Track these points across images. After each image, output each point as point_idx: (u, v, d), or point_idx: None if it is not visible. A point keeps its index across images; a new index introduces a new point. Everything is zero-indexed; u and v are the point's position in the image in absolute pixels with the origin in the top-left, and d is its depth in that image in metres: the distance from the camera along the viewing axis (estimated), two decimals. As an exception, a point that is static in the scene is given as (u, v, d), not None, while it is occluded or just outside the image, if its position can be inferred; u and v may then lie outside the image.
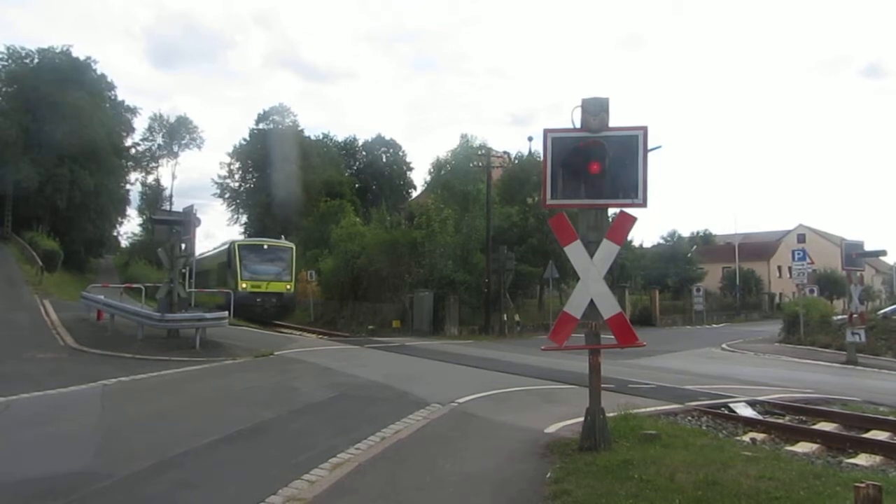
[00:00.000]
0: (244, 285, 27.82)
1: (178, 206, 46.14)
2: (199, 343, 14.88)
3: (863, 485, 4.35)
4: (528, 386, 10.29)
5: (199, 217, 17.09)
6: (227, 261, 29.79)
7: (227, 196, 62.96)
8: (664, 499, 4.81)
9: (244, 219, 61.52)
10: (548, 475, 5.63)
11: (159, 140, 68.02)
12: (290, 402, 9.15)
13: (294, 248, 31.68)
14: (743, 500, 4.79)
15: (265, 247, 30.62)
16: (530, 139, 31.26)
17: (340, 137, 71.10)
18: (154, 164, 68.18)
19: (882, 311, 27.00)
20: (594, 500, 4.85)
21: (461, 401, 9.07)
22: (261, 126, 62.79)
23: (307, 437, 7.22)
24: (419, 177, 67.73)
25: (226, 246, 31.40)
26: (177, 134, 68.40)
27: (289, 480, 5.46)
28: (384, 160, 67.84)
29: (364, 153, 69.32)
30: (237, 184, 63.10)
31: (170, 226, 17.09)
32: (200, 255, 29.46)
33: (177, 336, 15.72)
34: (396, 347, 18.64)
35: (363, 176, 65.66)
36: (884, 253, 22.64)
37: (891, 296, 51.42)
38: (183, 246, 16.93)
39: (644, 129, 6.48)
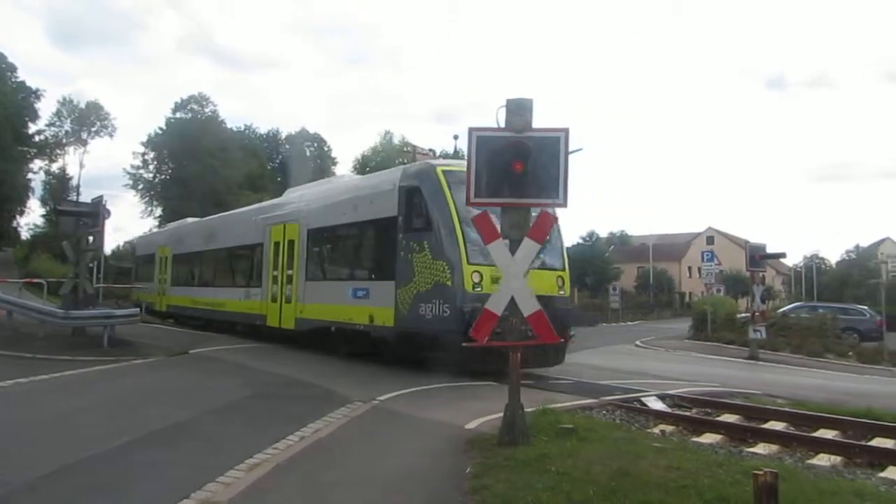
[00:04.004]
0: (472, 276, 11.01)
1: (87, 196, 43.41)
2: (108, 342, 14.11)
3: (761, 472, 4.63)
4: (450, 383, 10.36)
5: (109, 209, 16.18)
6: (404, 214, 11.85)
7: (140, 187, 60.16)
8: (580, 490, 4.95)
9: (158, 211, 58.98)
10: (468, 470, 5.70)
11: (67, 126, 64.04)
12: (205, 402, 8.85)
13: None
14: (653, 490, 4.99)
15: None
16: (456, 137, 31.46)
17: (263, 129, 69.49)
18: (60, 152, 64.17)
19: (781, 309, 28.86)
20: (512, 494, 4.94)
21: (383, 398, 9.04)
22: (178, 115, 60.34)
23: (223, 438, 6.99)
24: (343, 172, 67.07)
25: (395, 176, 12.69)
26: (86, 120, 64.57)
27: (203, 483, 5.27)
28: (308, 154, 66.71)
29: (288, 146, 67.97)
30: (152, 175, 60.42)
31: (76, 217, 16.09)
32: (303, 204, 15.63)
33: (83, 334, 14.87)
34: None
35: (287, 169, 64.36)
36: (783, 255, 24.13)
37: (790, 295, 55.08)
38: (90, 239, 16.05)
39: (566, 131, 6.65)
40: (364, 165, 36.66)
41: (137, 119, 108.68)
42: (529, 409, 7.00)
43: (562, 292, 11.97)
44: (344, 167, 63.79)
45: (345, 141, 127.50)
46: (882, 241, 65.86)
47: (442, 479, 5.62)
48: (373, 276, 12.77)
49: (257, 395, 9.64)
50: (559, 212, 12.04)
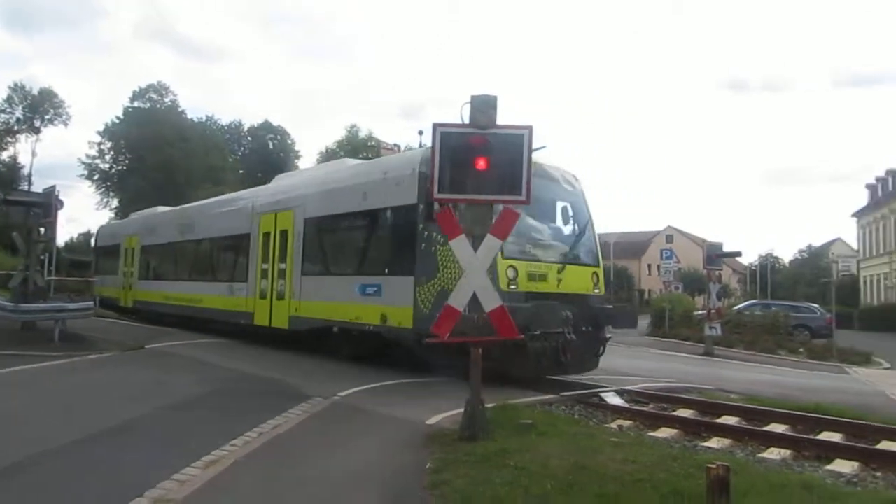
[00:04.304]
0: (507, 272, 10.22)
1: (39, 186, 42.12)
2: (59, 336, 13.72)
3: (714, 466, 4.75)
4: (411, 378, 10.36)
5: (62, 199, 15.76)
6: (426, 202, 10.42)
7: (96, 178, 58.52)
8: (538, 484, 5.01)
9: (115, 203, 57.48)
10: (427, 466, 5.70)
11: (18, 113, 61.72)
12: (161, 398, 8.66)
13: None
14: (610, 483, 5.07)
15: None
16: (420, 133, 31.38)
17: (225, 121, 68.27)
18: (11, 140, 61.82)
19: (737, 307, 29.64)
20: (471, 489, 4.97)
21: (344, 394, 8.98)
22: (136, 104, 58.87)
23: (180, 435, 6.85)
24: (307, 166, 66.43)
25: (414, 160, 11.38)
26: (39, 107, 62.34)
27: (158, 481, 5.15)
28: (271, 147, 65.79)
29: (250, 138, 66.90)
30: (108, 165, 58.83)
31: (27, 207, 15.65)
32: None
33: (33, 329, 14.42)
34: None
35: (249, 162, 63.36)
36: (739, 254, 24.87)
37: (745, 293, 56.57)
38: (42, 230, 15.57)
39: (529, 129, 6.71)
40: (328, 159, 36.22)
41: (93, 107, 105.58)
42: (489, 405, 7.05)
43: (597, 290, 11.27)
44: (308, 160, 63.22)
45: (309, 135, 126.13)
46: (833, 241, 68.19)
47: (402, 475, 5.61)
48: (386, 270, 11.37)
49: (215, 391, 9.48)
50: (592, 204, 11.82)
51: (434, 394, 9.24)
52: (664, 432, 7.65)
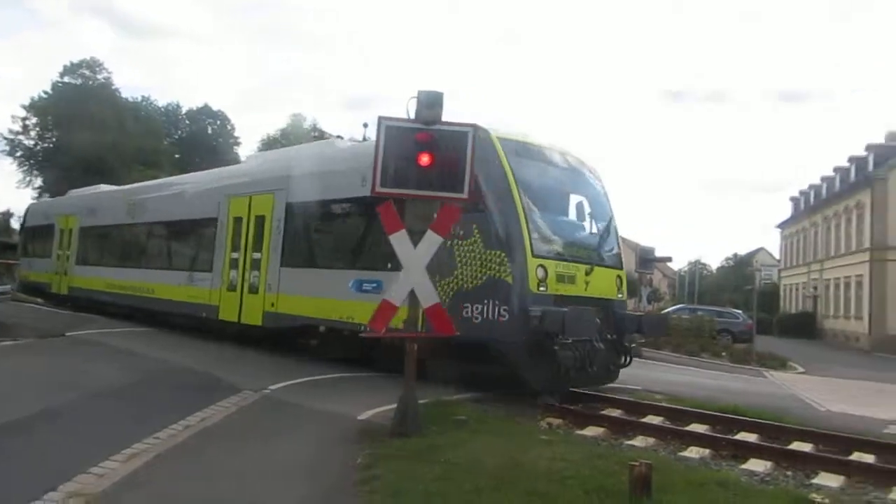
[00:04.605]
0: (537, 272, 8.94)
1: (-46, 160, 39.57)
2: (-28, 320, 12.98)
3: (637, 463, 4.93)
4: (345, 373, 10.26)
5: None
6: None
7: (18, 154, 55.29)
8: (468, 480, 5.05)
9: (39, 182, 54.56)
10: (358, 461, 5.67)
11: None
12: (82, 388, 8.29)
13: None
14: (538, 480, 5.17)
15: (556, 159, 10.58)
16: (365, 125, 31.03)
17: (162, 102, 65.82)
18: (-76, 110, 57.84)
19: (665, 310, 30.68)
20: (402, 484, 4.97)
21: (275, 387, 8.81)
22: (66, 79, 55.94)
23: (100, 426, 6.60)
24: (247, 153, 64.77)
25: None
26: (-43, 77, 58.64)
27: (73, 474, 4.94)
28: (210, 132, 63.84)
29: (188, 122, 64.73)
30: (33, 142, 55.65)
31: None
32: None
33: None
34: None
35: (185, 146, 61.24)
36: (670, 259, 25.72)
37: (673, 297, 58.57)
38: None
39: (474, 127, 6.75)
40: (269, 147, 35.44)
41: (19, 81, 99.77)
42: (424, 401, 7.07)
43: (620, 295, 10.39)
44: (248, 148, 61.65)
45: (249, 121, 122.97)
46: (758, 250, 71.35)
47: (332, 470, 5.56)
48: (389, 265, 9.63)
49: (140, 381, 9.15)
50: (615, 203, 10.98)
51: (369, 389, 9.18)
52: (592, 431, 7.84)
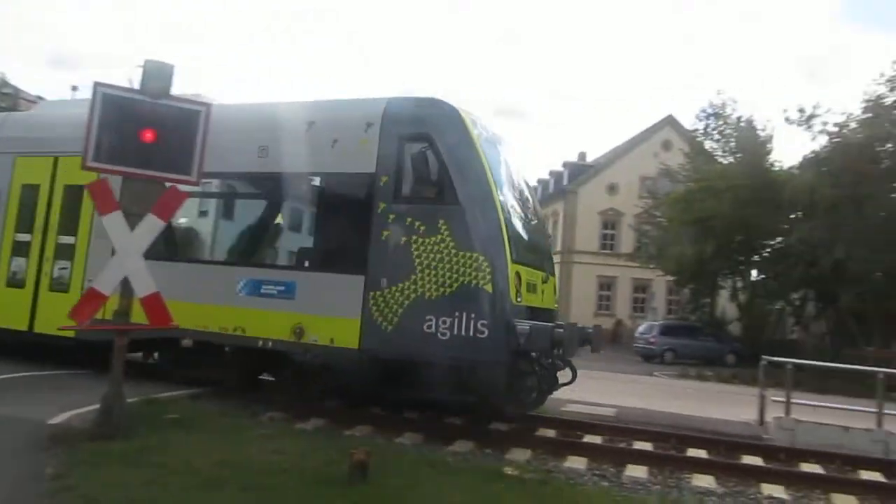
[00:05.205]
0: (516, 278, 7.54)
1: None
2: None
3: (355, 451, 5.19)
4: (33, 371, 8.91)
5: None
6: (394, 173, 7.79)
7: None
8: (180, 483, 4.80)
9: None
10: (48, 471, 4.98)
11: None
12: None
13: None
14: (256, 475, 5.11)
15: (509, 146, 9.09)
16: (75, 89, 26.82)
17: None
18: None
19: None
20: (103, 493, 4.52)
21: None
22: None
23: None
24: None
25: (372, 111, 8.08)
26: None
27: None
28: None
29: None
30: None
31: None
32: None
33: None
34: None
35: None
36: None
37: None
38: None
39: (207, 107, 6.42)
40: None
41: None
42: (132, 400, 6.51)
43: (556, 305, 9.26)
44: None
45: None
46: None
47: (14, 484, 4.79)
48: (306, 263, 8.37)
49: None
50: (545, 206, 9.88)
51: (64, 388, 8.14)
52: (312, 423, 7.94)
